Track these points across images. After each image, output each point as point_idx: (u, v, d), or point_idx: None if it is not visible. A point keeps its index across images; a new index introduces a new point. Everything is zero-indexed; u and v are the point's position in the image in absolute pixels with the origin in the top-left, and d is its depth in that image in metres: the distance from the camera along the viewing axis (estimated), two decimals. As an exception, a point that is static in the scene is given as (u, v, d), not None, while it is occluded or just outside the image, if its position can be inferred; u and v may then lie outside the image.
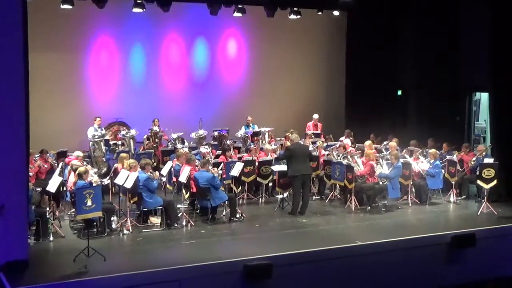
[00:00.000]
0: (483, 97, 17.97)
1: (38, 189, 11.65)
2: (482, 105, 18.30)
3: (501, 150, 14.13)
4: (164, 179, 12.87)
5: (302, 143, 14.02)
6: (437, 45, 16.52)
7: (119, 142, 16.15)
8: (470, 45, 16.17)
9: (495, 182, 12.91)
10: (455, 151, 14.56)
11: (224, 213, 12.37)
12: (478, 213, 12.81)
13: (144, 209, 11.63)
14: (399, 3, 17.38)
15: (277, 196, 13.87)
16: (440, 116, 16.47)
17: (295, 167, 12.55)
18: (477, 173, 13.22)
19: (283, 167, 13.15)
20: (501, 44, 14.23)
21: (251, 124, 17.36)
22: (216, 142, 16.35)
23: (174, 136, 16.14)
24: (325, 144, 15.81)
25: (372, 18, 17.86)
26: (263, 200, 13.94)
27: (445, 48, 16.52)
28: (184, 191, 12.36)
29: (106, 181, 12.24)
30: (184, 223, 11.77)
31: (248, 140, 16.67)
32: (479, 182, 13.12)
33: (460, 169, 14.05)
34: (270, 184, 14.25)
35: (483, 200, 13.05)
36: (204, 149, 14.34)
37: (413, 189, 13.88)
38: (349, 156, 13.88)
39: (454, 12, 16.33)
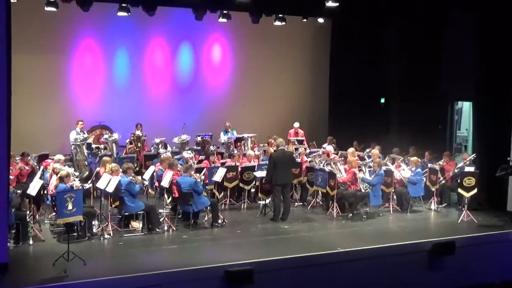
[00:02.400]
0: (465, 106, 18.13)
1: (19, 191, 11.53)
2: (464, 114, 18.46)
3: (482, 158, 14.25)
4: (146, 183, 12.83)
5: (286, 149, 14.08)
6: (420, 53, 16.61)
7: (102, 146, 16.07)
8: (454, 54, 16.29)
9: (475, 190, 13.01)
10: (438, 163, 14.55)
11: (206, 218, 12.35)
12: (459, 221, 12.90)
13: (126, 214, 11.59)
14: (384, 12, 17.48)
15: (259, 202, 13.86)
16: (422, 125, 16.56)
17: (277, 175, 12.57)
18: (458, 181, 13.35)
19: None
20: (485, 54, 14.39)
21: (229, 130, 17.36)
22: (199, 147, 16.34)
23: (157, 140, 16.10)
24: (308, 151, 15.86)
25: (357, 26, 17.95)
26: (245, 206, 13.94)
27: (428, 57, 16.62)
28: (166, 196, 12.33)
29: (88, 185, 12.18)
30: (165, 228, 11.74)
31: (231, 146, 16.67)
32: (459, 190, 13.22)
33: (441, 177, 14.14)
34: (253, 190, 14.26)
35: (463, 208, 13.13)
36: (187, 154, 14.32)
37: (395, 197, 13.96)
38: (331, 163, 13.92)
39: (438, 21, 16.45)
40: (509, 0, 13.75)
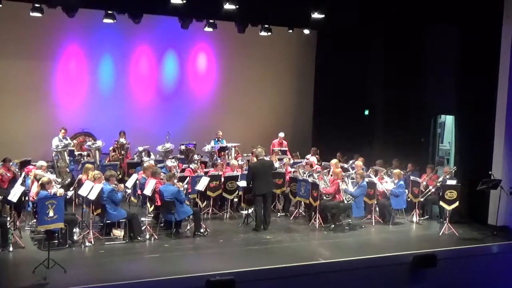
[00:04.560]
0: (448, 120, 18.27)
1: None
2: (447, 127, 18.59)
3: (464, 172, 14.36)
4: (128, 191, 12.77)
5: (268, 158, 14.08)
6: (404, 66, 16.75)
7: (85, 153, 15.99)
8: (437, 68, 16.43)
9: (457, 203, 13.10)
10: (422, 178, 14.61)
11: (188, 227, 12.33)
12: (440, 234, 12.97)
13: (108, 221, 11.52)
14: (369, 25, 17.59)
15: (242, 211, 13.87)
16: (405, 137, 16.65)
17: (257, 185, 12.57)
18: (440, 194, 13.43)
19: (248, 183, 13.17)
20: (467, 68, 14.52)
21: (220, 139, 17.36)
22: (183, 156, 16.30)
23: (141, 148, 16.04)
24: (291, 161, 15.89)
25: (342, 38, 18.05)
26: (228, 216, 13.92)
27: (412, 70, 16.74)
28: (148, 204, 12.28)
29: (70, 192, 12.10)
30: (147, 236, 11.69)
31: (215, 155, 16.65)
32: (441, 203, 13.30)
33: (424, 190, 14.20)
34: (236, 200, 14.24)
35: (445, 221, 13.21)
36: (170, 162, 14.28)
37: (377, 209, 14.01)
38: (314, 174, 13.95)
39: (421, 35, 16.59)
40: (489, 14, 13.92)
